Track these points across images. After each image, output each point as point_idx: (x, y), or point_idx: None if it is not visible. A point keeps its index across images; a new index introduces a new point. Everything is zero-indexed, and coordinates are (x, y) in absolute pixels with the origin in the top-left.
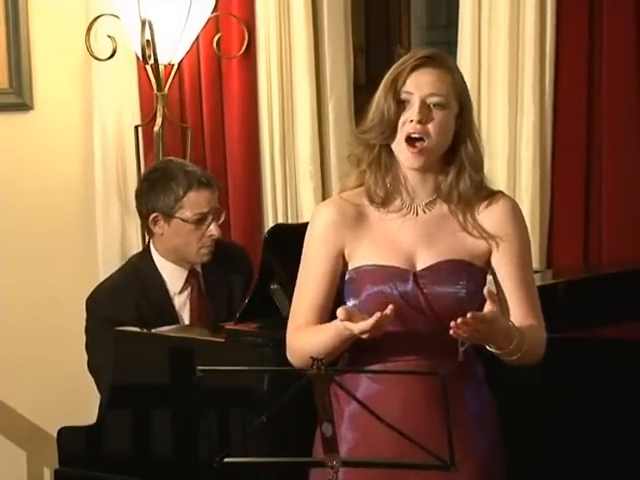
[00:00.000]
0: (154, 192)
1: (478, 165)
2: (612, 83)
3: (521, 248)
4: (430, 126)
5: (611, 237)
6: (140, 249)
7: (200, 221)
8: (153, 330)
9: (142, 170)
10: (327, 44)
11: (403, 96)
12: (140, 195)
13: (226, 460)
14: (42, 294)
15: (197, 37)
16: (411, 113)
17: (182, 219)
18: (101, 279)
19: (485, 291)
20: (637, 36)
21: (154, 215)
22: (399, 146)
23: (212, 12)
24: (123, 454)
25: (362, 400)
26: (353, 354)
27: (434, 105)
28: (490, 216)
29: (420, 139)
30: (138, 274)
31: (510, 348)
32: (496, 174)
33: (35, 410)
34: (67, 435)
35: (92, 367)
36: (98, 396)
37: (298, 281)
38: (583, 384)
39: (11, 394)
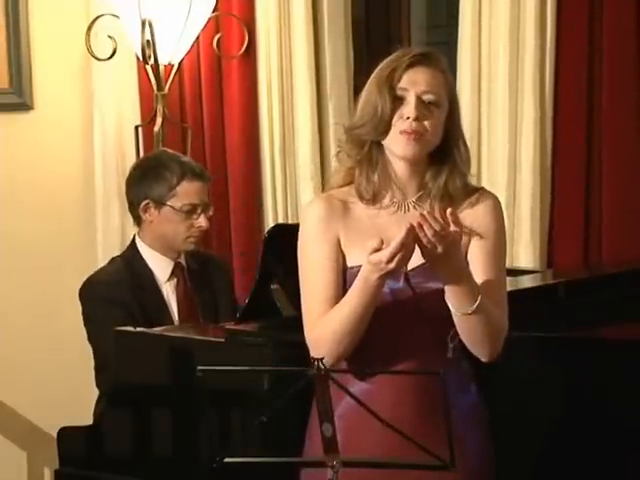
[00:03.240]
0: (147, 180)
1: (468, 165)
2: (612, 83)
3: (497, 243)
4: (426, 123)
5: (611, 237)
6: None
7: (190, 212)
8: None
9: None
10: (327, 44)
11: (399, 92)
12: (131, 183)
13: (226, 460)
14: (42, 294)
15: (197, 37)
16: (408, 110)
17: (173, 208)
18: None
19: (448, 212)
20: (638, 35)
21: (145, 202)
22: (393, 138)
23: (212, 12)
24: (123, 454)
25: (353, 400)
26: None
27: (429, 103)
28: (473, 212)
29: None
30: (127, 264)
31: (461, 289)
32: (496, 174)
33: (35, 410)
34: (67, 435)
35: (99, 354)
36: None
37: (303, 281)
38: (583, 384)
39: (11, 394)
